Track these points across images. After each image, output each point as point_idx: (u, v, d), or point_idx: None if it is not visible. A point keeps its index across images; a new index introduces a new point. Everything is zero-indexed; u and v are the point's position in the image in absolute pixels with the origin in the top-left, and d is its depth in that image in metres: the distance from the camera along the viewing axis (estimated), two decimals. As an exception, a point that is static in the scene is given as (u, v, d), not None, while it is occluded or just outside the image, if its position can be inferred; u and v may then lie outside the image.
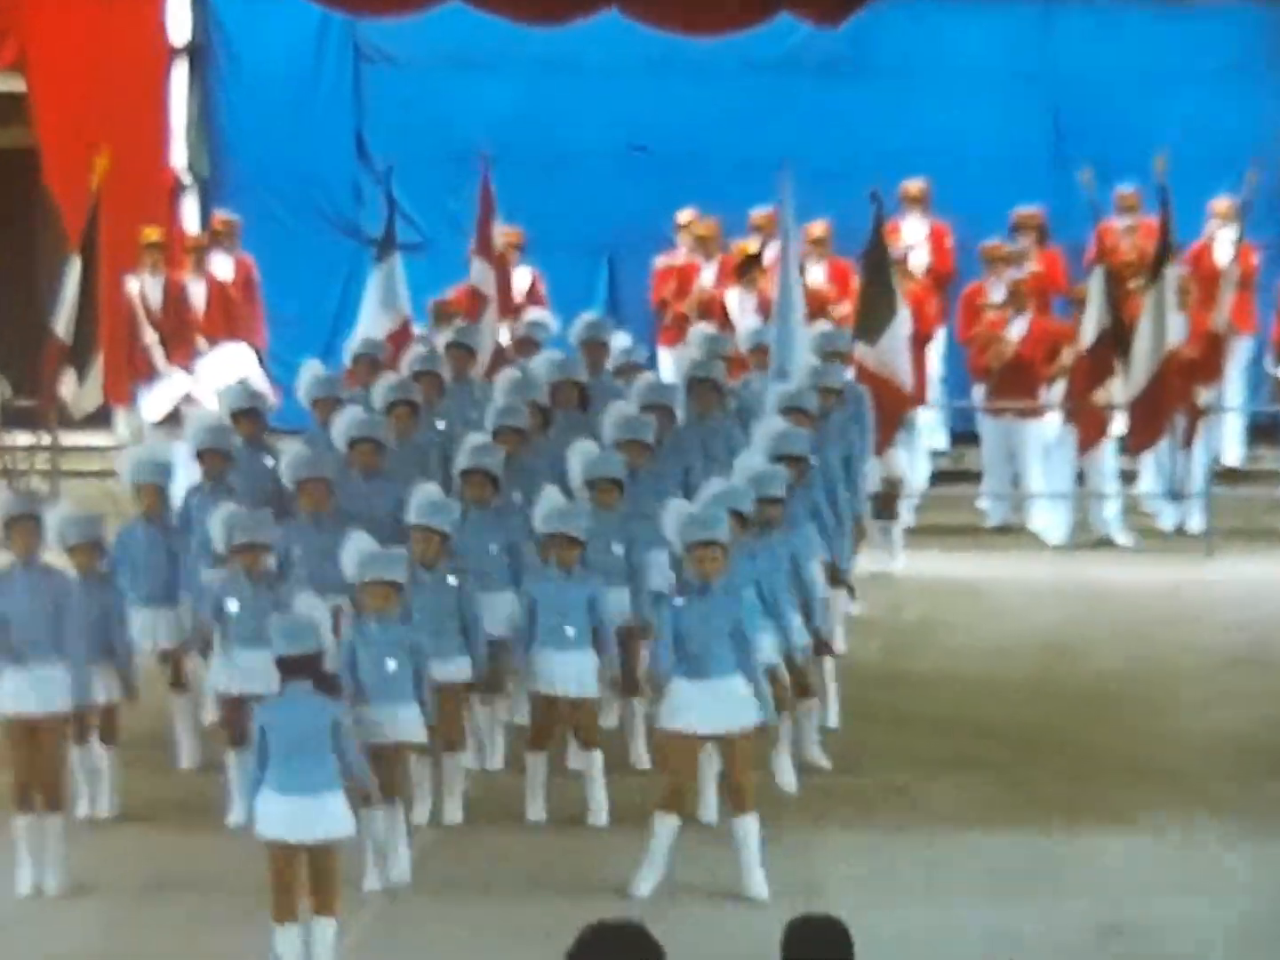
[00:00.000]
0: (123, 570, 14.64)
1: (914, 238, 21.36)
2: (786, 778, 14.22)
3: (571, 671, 13.80)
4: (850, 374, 17.83)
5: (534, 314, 19.92)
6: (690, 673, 12.58)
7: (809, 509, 15.05)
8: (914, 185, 21.53)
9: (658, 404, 16.25)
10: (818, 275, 21.23)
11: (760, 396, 17.13)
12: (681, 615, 12.64)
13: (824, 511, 15.43)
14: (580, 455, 15.16)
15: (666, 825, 12.59)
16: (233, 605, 13.94)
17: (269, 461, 15.99)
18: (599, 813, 13.90)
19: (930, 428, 21.83)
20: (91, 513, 14.08)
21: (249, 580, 13.92)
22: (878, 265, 19.08)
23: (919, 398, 20.21)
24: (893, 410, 18.69)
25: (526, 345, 19.03)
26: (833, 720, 15.28)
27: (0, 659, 13.00)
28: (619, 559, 14.58)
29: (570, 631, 13.76)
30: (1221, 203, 21.10)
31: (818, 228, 21.18)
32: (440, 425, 17.19)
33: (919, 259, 21.56)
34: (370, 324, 19.64)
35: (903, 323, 19.01)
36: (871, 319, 18.82)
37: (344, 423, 15.98)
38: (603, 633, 13.95)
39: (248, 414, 16.29)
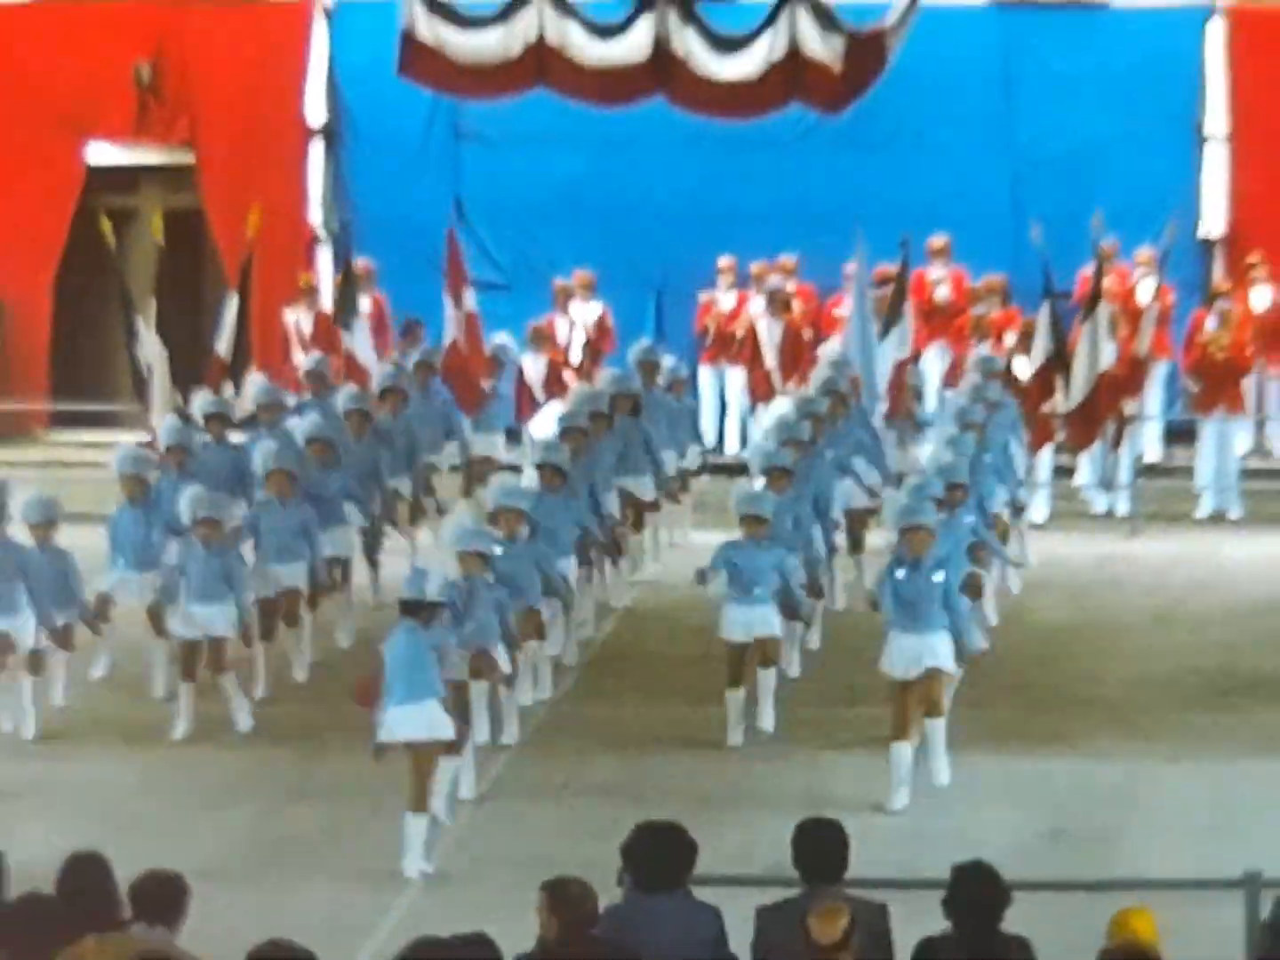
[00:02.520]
0: (114, 543, 14.84)
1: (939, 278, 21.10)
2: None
3: (757, 620, 13.94)
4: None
5: (499, 338, 19.88)
6: (907, 628, 12.87)
7: (977, 498, 15.30)
8: (938, 240, 21.35)
9: (813, 412, 16.52)
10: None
11: None
12: (899, 585, 12.93)
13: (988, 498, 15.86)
14: (756, 452, 15.72)
15: (902, 751, 12.76)
16: (193, 567, 14.10)
17: (233, 454, 16.22)
18: (766, 720, 14.03)
19: None
20: (51, 496, 14.14)
21: (205, 547, 14.07)
22: (897, 300, 18.99)
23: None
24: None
25: (492, 364, 19.09)
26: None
27: None
28: (789, 531, 14.72)
29: (758, 590, 13.91)
30: (1144, 252, 20.97)
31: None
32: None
33: (942, 294, 21.41)
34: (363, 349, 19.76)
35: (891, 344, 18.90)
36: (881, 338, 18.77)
37: (304, 424, 16.26)
38: (791, 589, 14.15)
39: (216, 418, 16.47)
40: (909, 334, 19.24)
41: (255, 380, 17.75)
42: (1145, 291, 20.84)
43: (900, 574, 12.96)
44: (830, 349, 19.46)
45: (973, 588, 14.66)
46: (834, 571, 16.47)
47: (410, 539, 17.54)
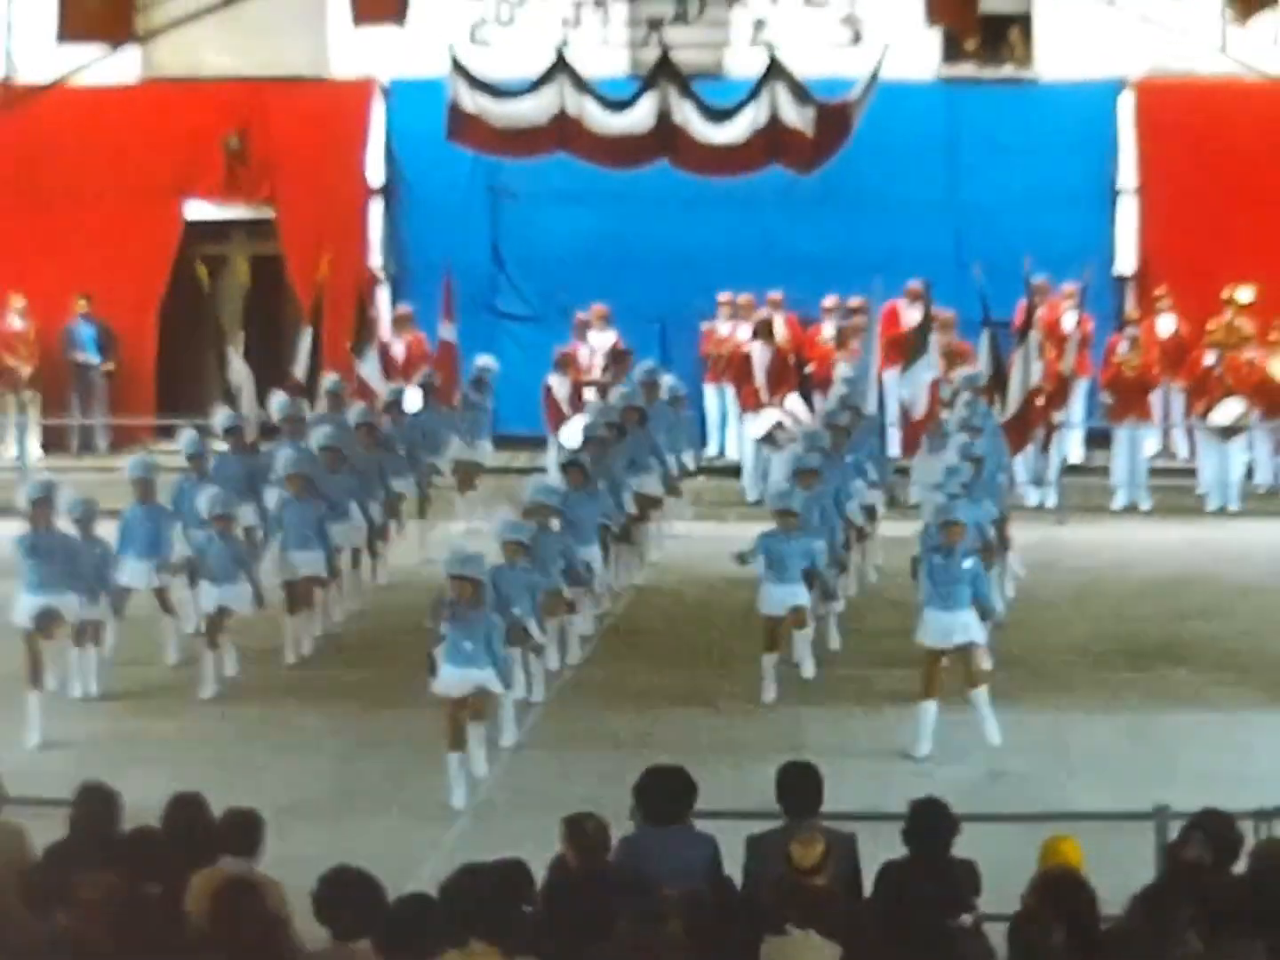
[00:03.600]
0: (124, 535, 14.65)
1: (911, 320, 20.80)
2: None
3: (789, 596, 13.85)
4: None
5: (482, 360, 19.83)
6: (941, 606, 12.77)
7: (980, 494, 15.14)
8: (915, 286, 20.99)
9: (835, 425, 16.49)
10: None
11: None
12: (936, 570, 12.85)
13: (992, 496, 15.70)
14: (793, 456, 15.77)
15: (927, 709, 12.73)
16: (211, 553, 14.13)
17: (247, 462, 16.18)
18: (807, 670, 13.99)
19: None
20: (88, 496, 14.08)
21: (221, 538, 14.11)
22: (923, 333, 19.00)
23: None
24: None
25: (480, 384, 19.14)
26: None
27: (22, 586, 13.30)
28: (816, 522, 14.53)
29: (790, 572, 13.81)
30: (1068, 288, 20.92)
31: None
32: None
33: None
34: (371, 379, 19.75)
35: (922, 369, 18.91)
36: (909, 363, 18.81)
37: (317, 435, 16.23)
38: (817, 570, 14.06)
39: (234, 431, 16.50)
40: (936, 360, 19.23)
41: (276, 398, 17.69)
42: (1069, 321, 20.81)
43: (937, 560, 12.92)
44: (844, 370, 19.39)
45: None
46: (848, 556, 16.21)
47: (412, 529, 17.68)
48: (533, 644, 13.21)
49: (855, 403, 17.27)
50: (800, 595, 13.93)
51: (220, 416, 16.93)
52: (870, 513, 16.76)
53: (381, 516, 16.61)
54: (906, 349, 19.52)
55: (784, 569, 13.83)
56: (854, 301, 20.82)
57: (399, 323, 21.59)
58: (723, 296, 21.52)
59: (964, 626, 12.77)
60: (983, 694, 12.78)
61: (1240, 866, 7.96)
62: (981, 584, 13.03)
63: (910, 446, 19.10)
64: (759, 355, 20.79)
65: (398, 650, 14.35)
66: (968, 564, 12.90)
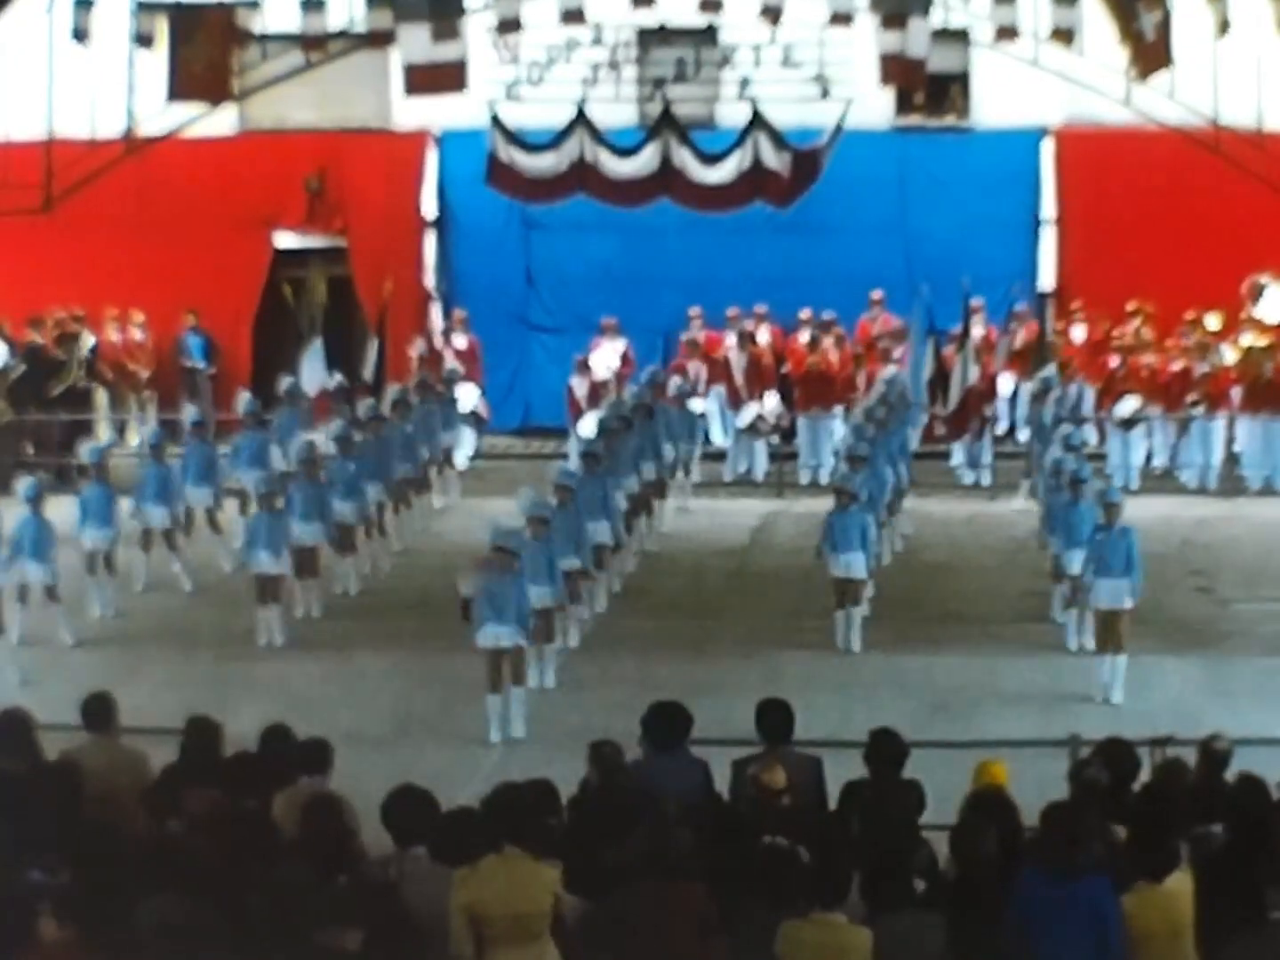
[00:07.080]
0: (84, 508, 15.00)
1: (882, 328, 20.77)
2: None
3: (852, 564, 13.70)
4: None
5: (450, 362, 19.79)
6: (1106, 574, 12.66)
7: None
8: (876, 294, 20.92)
9: (875, 418, 16.35)
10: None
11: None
12: (1100, 544, 12.72)
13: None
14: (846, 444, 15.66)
15: (1103, 659, 12.62)
16: (259, 527, 14.20)
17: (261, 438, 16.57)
18: (855, 644, 13.66)
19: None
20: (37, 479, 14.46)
21: (267, 510, 14.22)
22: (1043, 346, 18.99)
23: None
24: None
25: (449, 384, 19.25)
26: None
27: None
28: (865, 500, 14.37)
29: (850, 540, 13.65)
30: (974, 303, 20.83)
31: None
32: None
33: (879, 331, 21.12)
34: (309, 378, 19.56)
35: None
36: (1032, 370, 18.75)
37: (333, 427, 16.22)
38: (868, 544, 13.90)
39: (250, 415, 16.79)
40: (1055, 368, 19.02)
41: (241, 396, 17.71)
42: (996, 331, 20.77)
43: (1099, 536, 12.81)
44: (887, 372, 19.24)
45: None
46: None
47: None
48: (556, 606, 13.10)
49: (892, 400, 16.99)
50: (858, 566, 13.74)
51: (243, 401, 17.06)
52: (897, 491, 16.34)
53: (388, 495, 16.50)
54: (1029, 358, 19.51)
55: (845, 538, 13.69)
56: (825, 316, 20.72)
57: (459, 324, 21.59)
58: (693, 311, 21.45)
59: (1125, 592, 12.64)
60: (1123, 660, 12.58)
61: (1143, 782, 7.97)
62: (1135, 553, 12.81)
63: None
64: (737, 360, 20.77)
65: (437, 606, 14.37)
66: (1124, 538, 12.70)
